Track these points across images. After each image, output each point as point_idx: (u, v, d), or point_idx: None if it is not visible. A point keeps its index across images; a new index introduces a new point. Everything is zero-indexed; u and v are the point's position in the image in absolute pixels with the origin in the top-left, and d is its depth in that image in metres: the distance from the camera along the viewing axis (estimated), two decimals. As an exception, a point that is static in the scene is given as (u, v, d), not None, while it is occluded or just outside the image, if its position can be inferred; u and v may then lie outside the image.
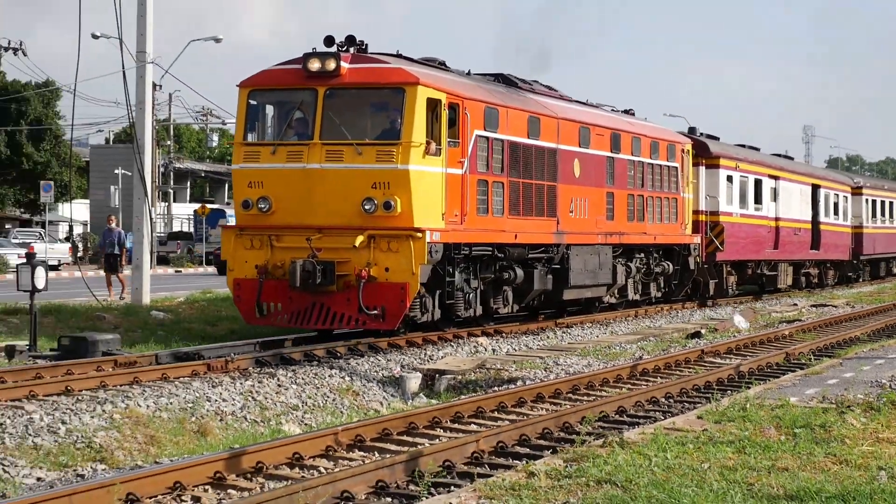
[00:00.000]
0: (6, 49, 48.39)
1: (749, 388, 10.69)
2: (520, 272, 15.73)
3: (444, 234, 13.27)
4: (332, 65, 12.73)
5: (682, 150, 22.85)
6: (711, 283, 24.23)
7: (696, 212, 23.52)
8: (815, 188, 31.47)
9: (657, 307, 22.12)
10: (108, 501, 6.52)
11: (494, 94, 15.67)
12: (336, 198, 12.73)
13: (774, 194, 27.80)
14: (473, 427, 9.60)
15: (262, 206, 12.95)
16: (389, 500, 7.02)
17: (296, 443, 8.36)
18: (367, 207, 12.57)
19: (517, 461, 7.99)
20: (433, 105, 13.22)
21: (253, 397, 10.83)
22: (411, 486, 7.25)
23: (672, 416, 9.69)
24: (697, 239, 22.83)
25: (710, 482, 6.50)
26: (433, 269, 13.43)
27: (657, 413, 10.21)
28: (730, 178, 25.07)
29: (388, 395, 12.04)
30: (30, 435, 8.70)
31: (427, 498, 6.65)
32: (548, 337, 16.52)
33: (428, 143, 12.89)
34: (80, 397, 9.81)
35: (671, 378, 12.37)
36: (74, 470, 8.37)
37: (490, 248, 14.92)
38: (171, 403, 10.12)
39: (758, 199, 26.48)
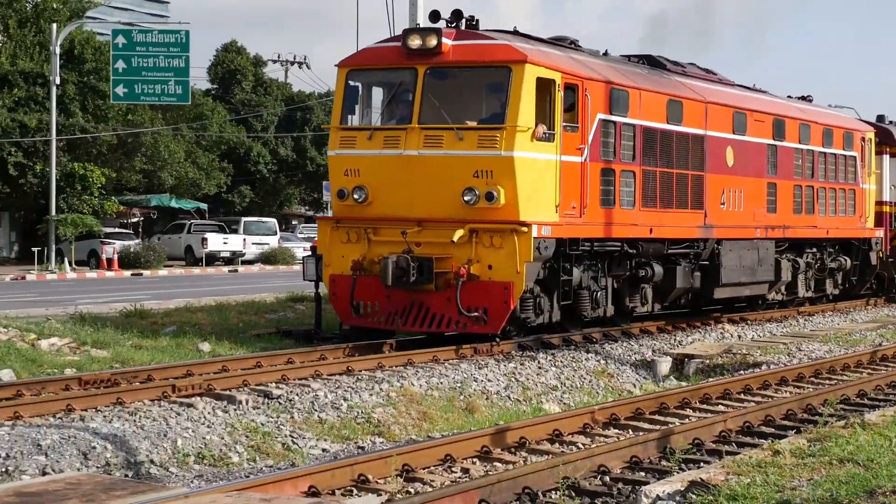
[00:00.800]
0: (292, 63, 53.69)
1: None
2: (658, 269, 14.09)
3: (556, 229, 11.71)
4: (433, 41, 11.40)
5: (862, 139, 20.67)
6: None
7: (879, 203, 21.45)
8: None
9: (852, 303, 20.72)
10: (386, 471, 7.05)
11: (625, 74, 13.85)
12: (435, 188, 11.44)
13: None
14: (721, 408, 10.00)
15: (358, 196, 11.85)
16: (643, 474, 7.44)
17: (556, 420, 8.89)
18: (467, 198, 11.22)
19: (762, 440, 8.32)
20: (545, 85, 11.67)
21: (516, 378, 11.37)
22: (663, 462, 7.69)
23: None
24: (880, 232, 20.72)
25: None
26: (551, 266, 11.94)
27: None
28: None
29: (640, 377, 12.63)
30: (315, 410, 9.45)
31: (678, 473, 7.00)
32: (790, 324, 17.23)
33: (537, 127, 11.35)
34: (359, 377, 10.46)
35: None
36: (355, 442, 9.01)
37: (619, 244, 13.18)
38: (441, 383, 10.71)
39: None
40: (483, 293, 11.17)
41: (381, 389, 10.10)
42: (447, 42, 11.51)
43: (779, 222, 17.39)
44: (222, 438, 8.62)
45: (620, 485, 7.18)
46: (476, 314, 11.16)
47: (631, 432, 8.98)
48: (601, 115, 12.73)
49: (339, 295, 11.99)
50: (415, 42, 11.52)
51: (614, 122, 13.06)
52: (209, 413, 9.00)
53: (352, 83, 12.39)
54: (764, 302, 17.85)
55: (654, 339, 14.34)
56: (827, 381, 11.42)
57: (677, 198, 14.67)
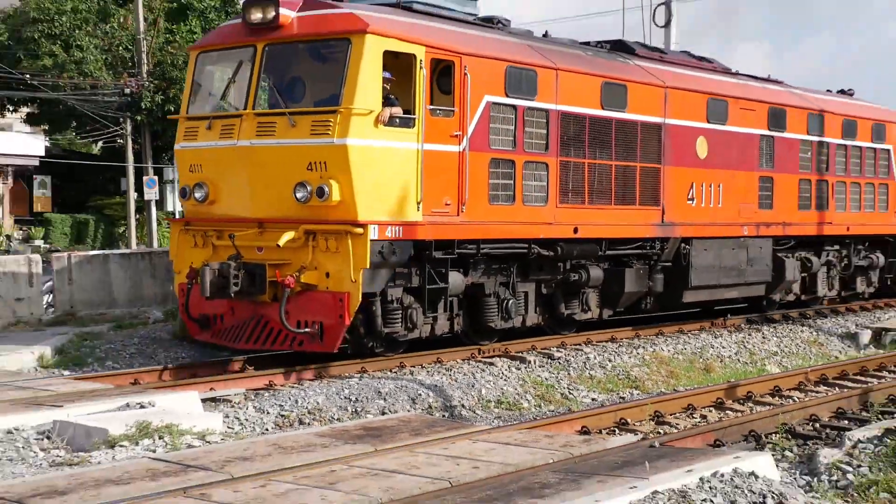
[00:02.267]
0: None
1: None
2: (596, 273, 12.35)
3: (415, 229, 9.86)
4: (271, 13, 9.67)
5: None
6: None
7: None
8: None
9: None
10: (641, 416, 9.14)
11: (538, 52, 11.73)
12: (271, 183, 9.72)
13: None
14: None
15: (199, 194, 10.23)
16: (846, 422, 9.04)
17: (776, 379, 11.17)
18: (299, 195, 9.41)
19: None
20: (403, 61, 9.84)
21: (744, 345, 13.91)
22: (863, 413, 9.43)
23: None
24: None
25: None
26: (437, 272, 10.25)
27: None
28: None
29: (845, 346, 15.10)
30: (587, 369, 11.67)
31: (876, 422, 8.50)
32: None
33: (384, 110, 9.48)
34: (620, 343, 12.91)
35: None
36: (618, 394, 11.15)
37: (524, 245, 11.21)
38: (685, 348, 13.16)
39: None
40: (317, 305, 9.40)
41: (637, 353, 12.47)
42: (289, 14, 9.74)
43: (776, 219, 15.56)
44: (515, 389, 10.69)
45: (828, 430, 8.84)
46: (308, 329, 9.33)
47: (837, 389, 11.07)
48: (490, 98, 10.74)
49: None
50: (254, 15, 9.87)
51: (513, 107, 11.02)
52: (506, 370, 11.17)
53: (201, 67, 10.83)
54: (769, 303, 16.16)
55: (858, 315, 16.90)
56: None
57: (619, 193, 12.65)
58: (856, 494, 7.05)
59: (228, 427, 8.47)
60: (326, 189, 9.22)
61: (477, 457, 7.07)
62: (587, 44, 13.82)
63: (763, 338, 14.48)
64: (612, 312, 13.20)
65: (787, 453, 8.25)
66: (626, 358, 12.28)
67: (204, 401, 8.88)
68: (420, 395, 9.92)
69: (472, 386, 10.59)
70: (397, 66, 9.89)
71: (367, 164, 9.34)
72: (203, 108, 10.78)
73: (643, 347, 12.85)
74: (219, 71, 10.93)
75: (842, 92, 19.25)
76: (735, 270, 14.56)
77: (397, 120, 9.60)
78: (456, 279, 10.40)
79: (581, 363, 11.92)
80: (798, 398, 10.56)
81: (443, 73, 10.34)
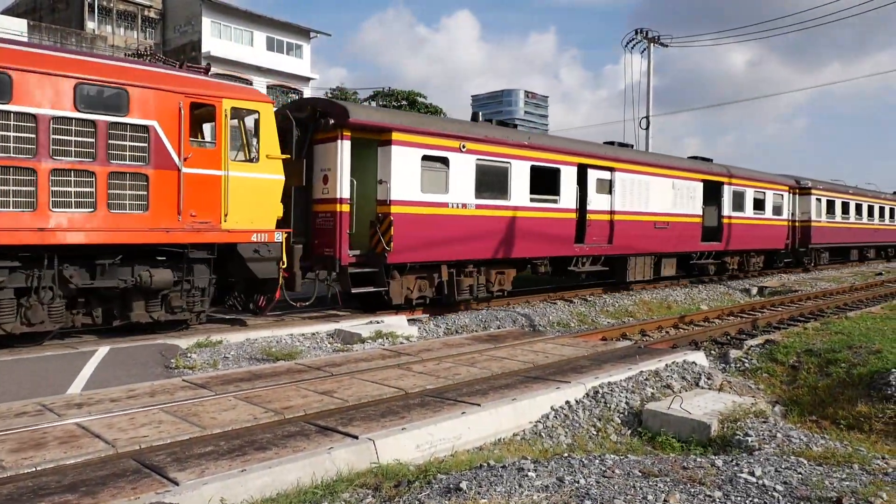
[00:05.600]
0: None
1: None
2: None
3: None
4: None
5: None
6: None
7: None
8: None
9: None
10: (633, 331, 14.17)
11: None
12: None
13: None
14: (781, 308, 18.07)
15: None
16: (744, 336, 13.83)
17: (706, 312, 16.87)
18: None
19: (798, 323, 15.30)
20: None
21: (689, 295, 20.69)
22: (753, 331, 14.47)
23: (868, 306, 17.93)
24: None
25: (887, 335, 11.82)
26: None
27: (862, 305, 18.97)
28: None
29: (743, 295, 22.29)
30: (605, 306, 17.68)
31: (760, 336, 13.16)
32: (811, 275, 28.33)
33: None
34: (621, 295, 19.32)
35: (868, 291, 22.68)
36: (622, 320, 16.65)
37: None
38: (657, 296, 19.70)
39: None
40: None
41: (631, 299, 18.71)
42: None
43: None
44: (567, 316, 16.14)
45: (734, 340, 13.46)
46: None
47: (739, 318, 16.40)
48: None
49: None
50: None
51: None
52: (565, 306, 17.04)
53: None
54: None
55: (749, 279, 25.53)
56: (829, 298, 20.60)
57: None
58: (749, 374, 10.73)
59: (420, 333, 13.03)
60: None
61: (548, 351, 10.12)
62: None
63: (699, 290, 21.70)
64: None
65: (712, 352, 12.08)
66: (626, 301, 18.50)
67: (409, 320, 14.00)
68: (517, 318, 14.97)
69: (545, 314, 15.76)
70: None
71: None
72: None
73: (635, 295, 19.45)
74: None
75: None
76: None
77: None
78: None
79: (601, 303, 17.78)
80: (718, 323, 15.50)
81: None
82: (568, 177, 17.59)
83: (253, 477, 5.16)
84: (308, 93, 49.93)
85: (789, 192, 29.09)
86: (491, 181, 15.58)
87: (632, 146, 22.14)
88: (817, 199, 30.89)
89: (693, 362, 9.52)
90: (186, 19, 47.07)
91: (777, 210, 27.77)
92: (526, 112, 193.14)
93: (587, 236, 18.36)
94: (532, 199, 16.62)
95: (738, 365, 10.99)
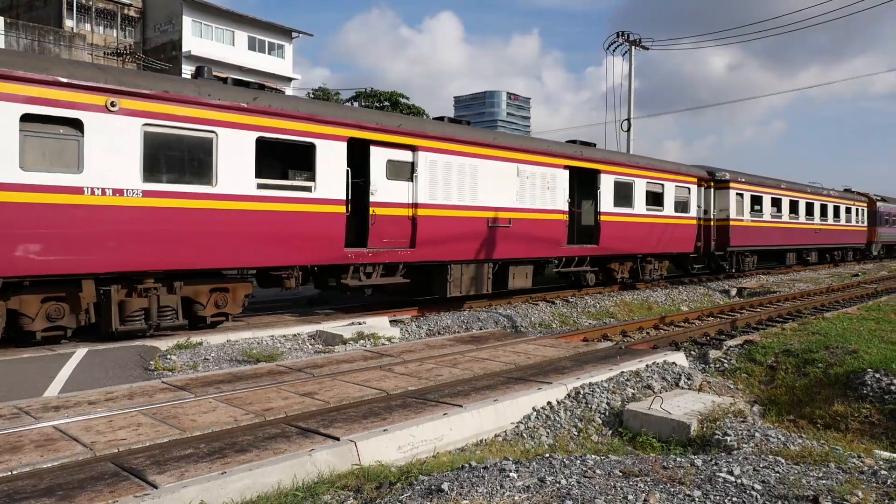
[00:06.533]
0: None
1: (880, 296, 21.08)
2: None
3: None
4: None
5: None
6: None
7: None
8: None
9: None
10: (615, 332, 14.30)
11: None
12: None
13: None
14: (759, 309, 18.45)
15: None
16: (724, 336, 14.07)
17: (686, 313, 17.13)
18: None
19: (776, 323, 15.51)
20: None
21: (669, 295, 20.79)
22: (732, 332, 14.65)
23: (845, 307, 18.13)
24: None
25: (863, 335, 12.03)
26: None
27: (839, 306, 19.41)
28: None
29: (723, 296, 22.43)
30: (586, 307, 17.87)
31: (738, 336, 13.30)
32: (787, 274, 29.18)
33: None
34: (604, 296, 19.46)
35: (845, 292, 23.24)
36: (602, 321, 16.77)
37: None
38: (637, 297, 19.81)
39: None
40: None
41: (612, 300, 18.94)
42: None
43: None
44: (549, 317, 16.25)
45: (714, 340, 13.60)
46: None
47: (718, 318, 16.82)
48: None
49: None
50: None
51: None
52: (547, 307, 17.16)
53: None
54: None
55: (731, 279, 25.81)
56: (807, 299, 21.04)
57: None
58: (728, 374, 10.87)
59: (402, 335, 13.03)
60: None
61: (529, 352, 10.14)
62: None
63: (679, 291, 21.73)
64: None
65: (692, 353, 12.27)
66: (607, 302, 18.60)
67: (391, 321, 14.07)
68: (500, 320, 15.15)
69: (527, 315, 15.94)
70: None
71: None
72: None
73: (616, 296, 19.50)
74: None
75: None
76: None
77: None
78: None
79: (583, 304, 17.99)
80: (698, 324, 15.70)
81: None
82: (330, 155, 12.94)
83: (233, 479, 5.12)
84: (290, 93, 49.74)
85: (699, 186, 24.27)
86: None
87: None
88: (738, 193, 26.09)
89: (673, 363, 9.62)
90: (167, 18, 46.70)
91: (682, 206, 23.03)
92: (508, 114, 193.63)
93: (371, 237, 13.82)
94: (262, 186, 12.04)
95: (718, 365, 11.11)
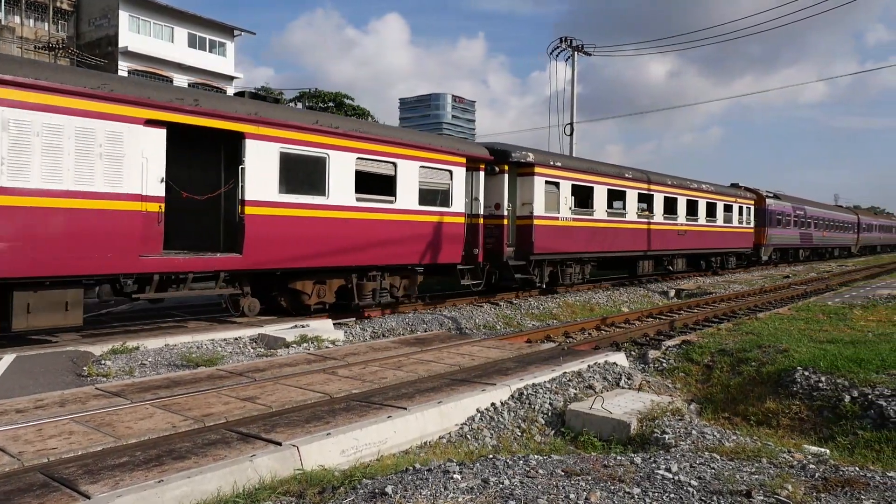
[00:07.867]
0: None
1: (809, 297, 21.97)
2: None
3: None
4: None
5: None
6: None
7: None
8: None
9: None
10: (557, 333, 14.52)
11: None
12: None
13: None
14: (697, 310, 19.03)
15: None
16: (662, 336, 14.42)
17: (627, 314, 17.59)
18: None
19: (712, 324, 16.10)
20: None
21: (611, 297, 21.76)
22: (670, 332, 15.10)
23: (777, 308, 18.75)
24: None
25: (793, 334, 12.27)
26: None
27: (771, 306, 20.17)
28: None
29: (661, 298, 23.58)
30: (530, 309, 18.21)
31: (677, 336, 13.73)
32: (724, 278, 30.36)
33: None
34: (547, 299, 19.86)
35: (777, 293, 24.38)
36: (545, 322, 17.21)
37: None
38: (580, 298, 20.60)
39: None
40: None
41: (555, 301, 19.52)
42: None
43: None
44: (493, 319, 16.50)
45: (653, 341, 13.92)
46: None
47: (658, 319, 17.16)
48: None
49: None
50: None
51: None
52: (491, 309, 17.42)
53: None
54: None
55: (669, 282, 27.15)
56: (741, 299, 21.86)
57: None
58: (666, 373, 11.04)
59: (347, 337, 13.03)
60: None
61: (474, 354, 10.24)
62: None
63: (619, 293, 22.87)
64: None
65: (632, 353, 12.43)
66: (550, 304, 19.15)
67: (335, 324, 14.03)
68: (444, 322, 15.22)
69: (471, 317, 16.12)
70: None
71: None
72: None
73: (560, 298, 20.14)
74: None
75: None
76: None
77: None
78: None
79: (527, 306, 18.41)
80: (638, 325, 16.09)
81: None
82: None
83: (170, 487, 4.99)
84: (231, 91, 48.89)
85: (466, 169, 17.19)
86: None
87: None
88: (550, 182, 19.58)
89: (614, 363, 9.81)
90: (102, 12, 45.33)
91: (436, 198, 16.17)
92: (454, 116, 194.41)
93: None
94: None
95: (657, 365, 11.33)
